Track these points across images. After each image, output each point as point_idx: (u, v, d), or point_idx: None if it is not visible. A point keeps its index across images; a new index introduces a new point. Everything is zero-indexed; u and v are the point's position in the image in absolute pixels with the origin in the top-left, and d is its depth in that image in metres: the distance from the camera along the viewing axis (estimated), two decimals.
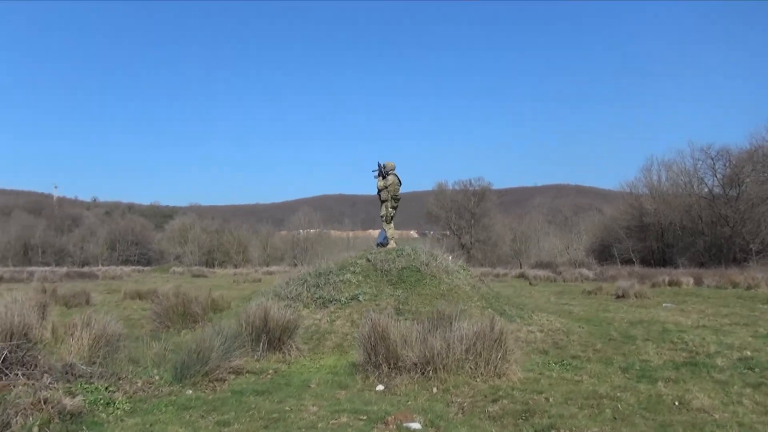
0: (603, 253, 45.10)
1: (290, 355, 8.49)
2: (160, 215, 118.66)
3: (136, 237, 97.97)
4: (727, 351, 9.49)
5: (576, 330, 11.89)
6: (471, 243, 61.68)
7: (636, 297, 20.32)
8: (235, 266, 67.73)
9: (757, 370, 8.02)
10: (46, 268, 52.47)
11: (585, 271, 37.88)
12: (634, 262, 40.59)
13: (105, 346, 7.39)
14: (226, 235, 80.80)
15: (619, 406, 6.01)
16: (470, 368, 7.03)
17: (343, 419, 5.41)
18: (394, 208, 14.17)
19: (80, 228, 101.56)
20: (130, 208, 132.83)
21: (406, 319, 9.46)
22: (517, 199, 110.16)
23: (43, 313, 10.29)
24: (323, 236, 76.54)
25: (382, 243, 14.44)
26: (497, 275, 42.99)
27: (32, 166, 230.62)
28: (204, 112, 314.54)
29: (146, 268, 62.76)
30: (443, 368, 6.89)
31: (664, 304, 18.51)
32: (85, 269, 48.34)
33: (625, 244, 43.42)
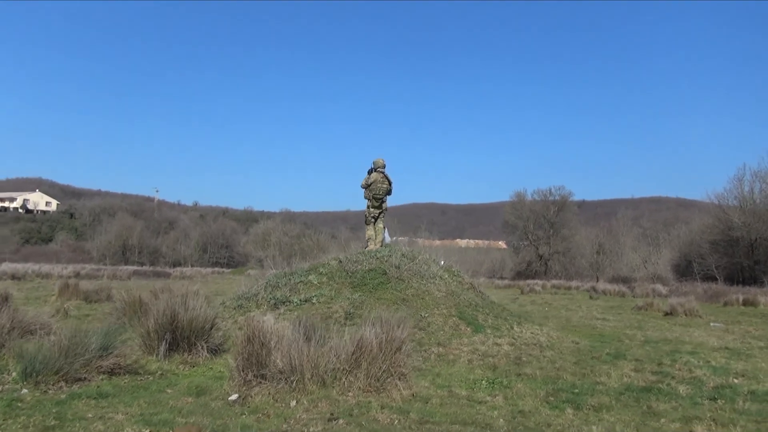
0: (685, 269, 41.61)
1: (199, 357, 7.88)
2: (252, 219, 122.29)
3: (226, 240, 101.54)
4: (717, 377, 8.08)
5: (563, 345, 10.64)
6: (549, 254, 59.10)
7: (686, 315, 18.32)
8: None
9: (720, 401, 6.63)
10: (134, 267, 55.22)
11: (660, 287, 35.11)
12: (717, 279, 37.13)
13: None
14: (305, 240, 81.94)
15: None
16: (347, 381, 6.15)
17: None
18: (377, 208, 13.33)
19: (175, 230, 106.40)
20: (225, 212, 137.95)
21: (353, 325, 8.71)
22: (609, 211, 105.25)
23: None
24: (402, 244, 75.83)
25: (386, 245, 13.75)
26: (568, 288, 41.02)
27: (138, 170, 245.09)
28: (296, 116, 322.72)
29: (225, 270, 64.58)
30: (312, 379, 6.06)
31: (712, 324, 16.56)
32: (158, 269, 50.25)
33: (709, 260, 39.79)
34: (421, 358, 8.66)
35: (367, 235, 13.34)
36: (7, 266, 39.81)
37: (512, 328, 10.67)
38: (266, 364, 6.15)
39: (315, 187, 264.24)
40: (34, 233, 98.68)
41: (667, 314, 18.85)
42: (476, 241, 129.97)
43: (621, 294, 33.01)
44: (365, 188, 13.13)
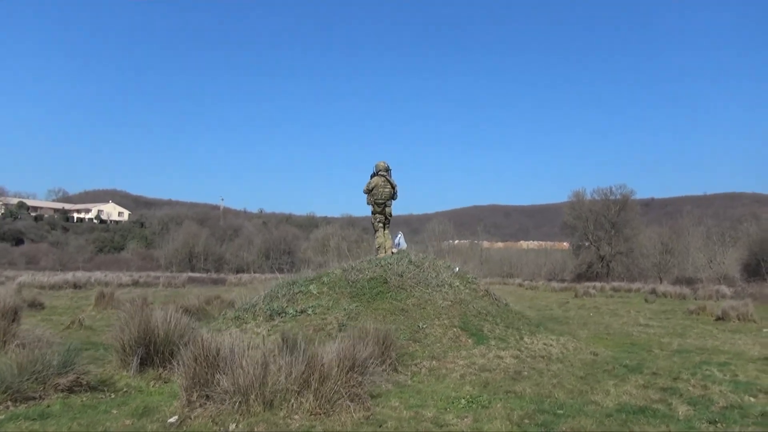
0: (755, 269, 38.93)
1: (173, 374, 7.63)
2: (313, 225, 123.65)
3: (288, 246, 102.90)
4: (734, 394, 7.29)
5: (578, 357, 9.90)
6: (611, 255, 56.83)
7: (738, 319, 17.03)
8: None
9: (720, 425, 5.86)
10: (191, 274, 56.69)
11: (724, 288, 33.05)
12: None
13: None
14: (364, 245, 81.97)
15: None
16: (296, 403, 5.74)
17: None
18: (381, 213, 12.81)
19: (239, 237, 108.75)
20: (288, 218, 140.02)
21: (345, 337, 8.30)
22: (678, 210, 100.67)
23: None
24: (457, 247, 74.94)
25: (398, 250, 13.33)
26: (628, 290, 39.41)
27: (205, 179, 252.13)
28: (359, 120, 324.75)
29: (280, 275, 65.16)
30: (257, 400, 5.68)
31: (765, 329, 15.28)
32: (216, 275, 51.25)
33: None
34: (409, 373, 8.18)
35: (377, 243, 12.89)
36: (74, 275, 41.41)
37: (521, 339, 9.99)
38: (211, 383, 5.82)
39: None
40: (107, 242, 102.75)
41: (718, 319, 17.59)
42: (540, 242, 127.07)
43: (681, 296, 31.32)
44: (367, 193, 12.67)
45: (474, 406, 6.61)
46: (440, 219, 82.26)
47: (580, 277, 54.17)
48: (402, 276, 10.74)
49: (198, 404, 5.76)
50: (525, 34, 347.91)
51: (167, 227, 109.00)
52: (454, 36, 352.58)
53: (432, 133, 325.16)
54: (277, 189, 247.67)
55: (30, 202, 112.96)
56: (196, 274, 50.26)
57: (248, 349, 6.34)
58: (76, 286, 34.68)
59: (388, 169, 12.78)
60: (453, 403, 6.72)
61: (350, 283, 10.63)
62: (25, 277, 37.80)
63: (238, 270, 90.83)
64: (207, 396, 5.80)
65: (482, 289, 11.81)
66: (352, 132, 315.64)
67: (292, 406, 5.72)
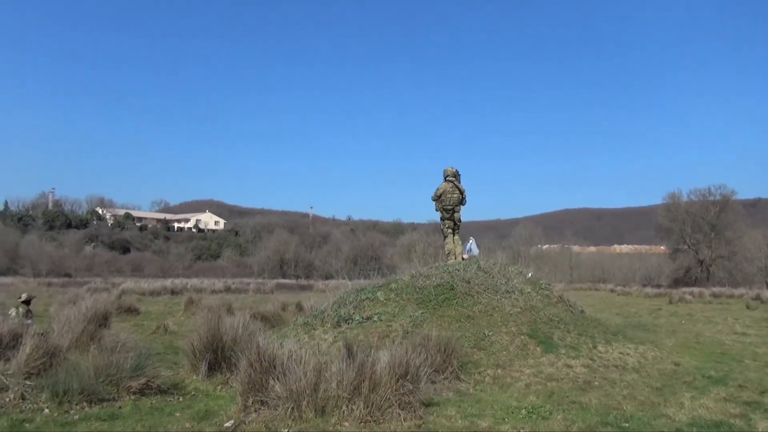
0: None
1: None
2: (400, 231, 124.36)
3: (375, 252, 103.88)
4: None
5: (657, 367, 9.41)
6: (711, 259, 53.65)
7: None
8: None
9: None
10: (279, 281, 58.42)
11: None
12: None
13: (42, 357, 7.55)
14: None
15: None
16: (347, 410, 5.79)
17: None
18: (449, 219, 12.68)
19: (328, 244, 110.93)
20: (375, 225, 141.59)
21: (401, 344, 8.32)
22: None
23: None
24: (545, 253, 73.24)
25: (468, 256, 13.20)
26: (730, 296, 37.36)
27: (295, 188, 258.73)
28: (442, 124, 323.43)
29: (363, 281, 65.82)
30: (309, 406, 5.77)
31: None
32: (304, 281, 52.46)
33: None
34: (472, 381, 8.06)
35: (446, 249, 12.79)
36: (173, 282, 43.53)
37: (595, 347, 9.61)
38: (265, 389, 5.96)
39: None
40: (204, 250, 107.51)
41: None
42: (636, 246, 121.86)
43: None
44: (435, 200, 12.59)
45: (534, 416, 6.42)
46: (527, 223, 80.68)
47: (677, 283, 51.50)
48: (469, 282, 10.60)
49: (253, 409, 5.91)
50: (609, 32, 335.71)
51: (259, 235, 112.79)
52: (543, 38, 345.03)
53: (520, 137, 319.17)
54: (365, 196, 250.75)
55: (135, 213, 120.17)
56: (285, 281, 51.70)
57: (306, 355, 6.46)
58: (173, 292, 36.51)
59: (456, 175, 12.67)
60: (512, 413, 6.56)
61: (417, 290, 10.60)
62: (128, 283, 40.11)
63: (327, 276, 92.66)
64: (262, 401, 5.94)
65: (555, 296, 11.47)
66: (439, 138, 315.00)
67: (344, 413, 5.76)
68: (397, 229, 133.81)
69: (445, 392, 7.48)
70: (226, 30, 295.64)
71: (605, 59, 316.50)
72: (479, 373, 8.31)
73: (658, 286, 51.22)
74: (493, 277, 11.04)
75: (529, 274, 11.86)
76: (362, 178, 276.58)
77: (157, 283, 39.68)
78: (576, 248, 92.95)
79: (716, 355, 11.59)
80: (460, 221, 12.85)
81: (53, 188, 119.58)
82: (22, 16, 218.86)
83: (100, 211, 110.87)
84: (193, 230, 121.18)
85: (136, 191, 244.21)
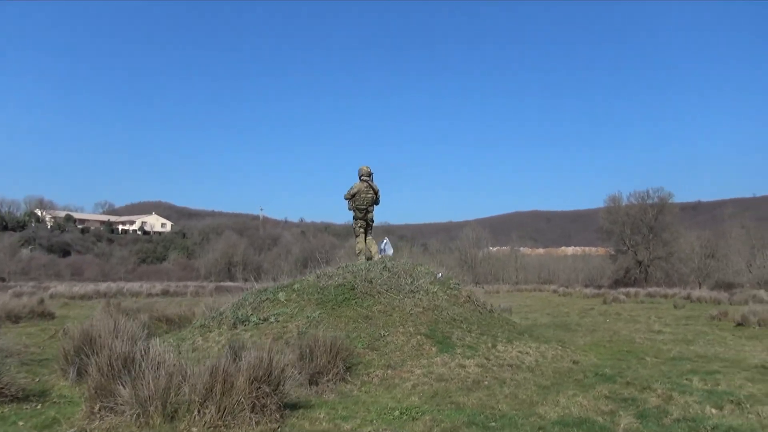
0: None
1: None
2: (351, 234, 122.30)
3: (326, 255, 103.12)
4: (698, 405, 6.70)
5: (555, 365, 9.39)
6: (648, 260, 55.02)
7: (759, 325, 16.10)
8: None
9: None
10: (216, 284, 57.35)
11: (762, 293, 31.48)
12: None
13: None
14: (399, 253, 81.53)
15: None
16: (198, 414, 5.49)
17: None
18: (362, 219, 12.54)
19: (278, 246, 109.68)
20: (326, 227, 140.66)
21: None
22: (726, 213, 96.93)
23: None
24: (493, 255, 74.02)
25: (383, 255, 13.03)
26: (664, 296, 38.18)
27: (245, 190, 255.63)
28: (393, 129, 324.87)
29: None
30: (157, 411, 5.44)
31: None
32: (247, 285, 51.46)
33: None
34: (359, 383, 7.84)
35: (357, 249, 12.64)
36: (108, 286, 42.19)
37: (494, 346, 9.52)
38: (113, 394, 5.61)
39: (419, 199, 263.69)
40: (149, 253, 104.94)
41: (738, 325, 16.67)
42: (582, 248, 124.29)
43: (717, 302, 29.99)
44: (348, 199, 12.44)
45: (404, 417, 6.25)
46: (475, 226, 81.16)
47: (617, 283, 52.62)
48: (371, 282, 10.41)
49: (99, 416, 5.56)
50: (555, 35, 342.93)
51: (208, 237, 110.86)
52: (491, 43, 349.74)
53: (475, 141, 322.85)
54: (318, 198, 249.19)
55: (77, 215, 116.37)
56: (230, 283, 50.66)
57: (170, 359, 6.14)
58: (105, 295, 35.32)
59: (370, 174, 12.52)
60: (384, 415, 6.37)
61: (319, 290, 10.36)
62: (60, 287, 38.63)
63: (275, 279, 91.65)
64: (109, 408, 5.59)
65: (464, 295, 11.38)
66: (390, 139, 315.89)
67: (194, 418, 5.46)
68: (348, 232, 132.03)
69: (327, 394, 7.25)
70: (172, 27, 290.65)
71: (550, 64, 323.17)
72: (368, 374, 8.11)
73: (599, 287, 52.19)
74: (398, 277, 10.88)
75: (439, 274, 11.75)
76: (315, 181, 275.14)
77: (89, 287, 38.36)
78: (524, 250, 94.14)
79: (622, 353, 11.69)
80: (372, 221, 12.72)
81: None
82: None
83: (39, 213, 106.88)
84: (139, 233, 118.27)
85: (79, 192, 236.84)
